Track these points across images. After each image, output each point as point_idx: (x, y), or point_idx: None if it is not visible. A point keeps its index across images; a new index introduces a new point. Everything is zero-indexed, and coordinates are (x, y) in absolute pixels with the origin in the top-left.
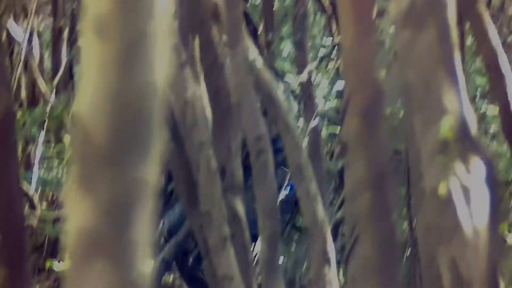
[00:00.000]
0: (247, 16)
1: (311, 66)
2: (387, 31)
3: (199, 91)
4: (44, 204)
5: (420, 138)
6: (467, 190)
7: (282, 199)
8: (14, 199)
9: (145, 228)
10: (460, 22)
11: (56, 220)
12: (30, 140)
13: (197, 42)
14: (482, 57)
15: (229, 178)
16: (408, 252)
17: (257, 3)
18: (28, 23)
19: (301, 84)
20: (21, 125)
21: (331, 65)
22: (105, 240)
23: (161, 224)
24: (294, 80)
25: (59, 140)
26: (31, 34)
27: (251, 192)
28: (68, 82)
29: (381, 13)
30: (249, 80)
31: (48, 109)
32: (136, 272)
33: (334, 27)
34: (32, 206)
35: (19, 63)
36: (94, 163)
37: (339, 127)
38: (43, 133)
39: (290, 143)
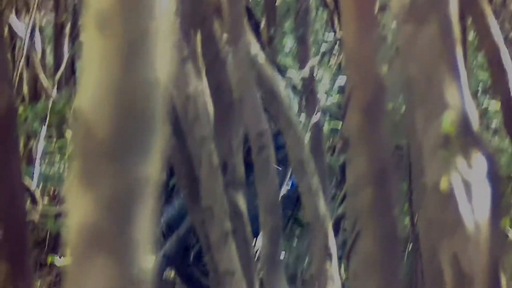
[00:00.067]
0: (249, 12)
1: (313, 61)
2: (389, 26)
3: (201, 87)
4: (46, 199)
5: (421, 133)
6: (469, 185)
7: (284, 194)
8: (16, 194)
9: (146, 223)
10: (462, 17)
11: (58, 215)
12: (32, 135)
13: (199, 37)
14: (484, 53)
15: (230, 173)
16: (409, 247)
17: None
18: (30, 18)
19: (303, 79)
20: (23, 120)
21: (333, 60)
22: (106, 235)
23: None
24: (296, 75)
25: (61, 135)
26: (33, 29)
27: (253, 188)
28: (70, 77)
29: (383, 8)
30: (251, 75)
31: (50, 104)
32: (137, 267)
33: (336, 22)
34: (34, 201)
35: (21, 58)
36: (95, 158)
37: (341, 122)
38: (45, 128)
39: (292, 138)
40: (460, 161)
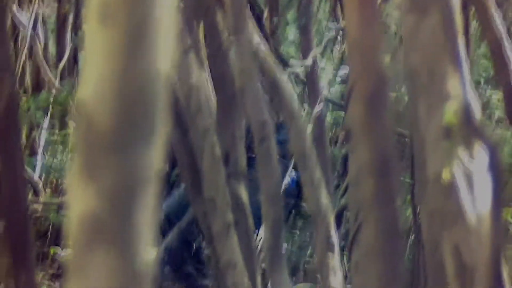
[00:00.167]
0: (251, 2)
1: (316, 51)
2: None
3: (204, 77)
4: (48, 191)
5: (424, 124)
6: (471, 176)
7: (286, 186)
8: (18, 186)
9: (148, 215)
10: (465, 8)
11: (60, 207)
12: (34, 127)
13: (201, 28)
14: (486, 43)
15: (233, 164)
16: (412, 238)
17: None
18: (32, 9)
19: (305, 69)
20: (26, 111)
21: (336, 50)
22: (108, 227)
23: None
24: (298, 65)
25: (63, 126)
26: (35, 21)
27: (255, 180)
28: (72, 69)
29: None
30: (254, 66)
31: (52, 95)
32: (139, 260)
33: (339, 12)
34: (36, 193)
35: (24, 49)
36: (98, 149)
37: (343, 113)
38: (47, 119)
39: (294, 129)
40: (462, 152)
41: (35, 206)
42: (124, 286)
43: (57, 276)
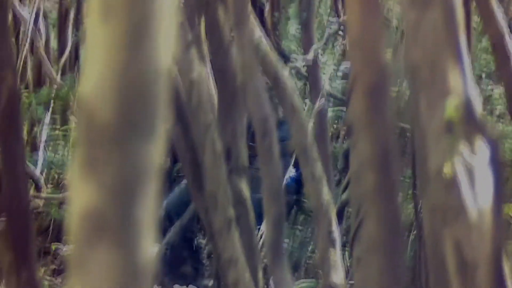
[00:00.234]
0: None
1: (317, 46)
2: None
3: (205, 72)
4: (50, 186)
5: (425, 119)
6: (472, 171)
7: (287, 181)
8: (20, 181)
9: (149, 211)
10: (466, 2)
11: (62, 203)
12: (35, 122)
13: (203, 23)
14: (488, 38)
15: (234, 160)
16: (413, 233)
17: None
18: (34, 4)
19: (307, 64)
20: (27, 107)
21: (337, 45)
22: (109, 222)
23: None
24: (300, 60)
25: (64, 122)
26: (37, 15)
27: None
28: (74, 64)
29: None
30: (255, 61)
31: (54, 90)
32: (140, 255)
33: (340, 6)
34: (38, 189)
35: (25, 44)
36: (99, 145)
37: (345, 108)
38: (48, 114)
39: (295, 124)
40: (463, 147)
41: (37, 201)
42: (125, 282)
43: (58, 271)
